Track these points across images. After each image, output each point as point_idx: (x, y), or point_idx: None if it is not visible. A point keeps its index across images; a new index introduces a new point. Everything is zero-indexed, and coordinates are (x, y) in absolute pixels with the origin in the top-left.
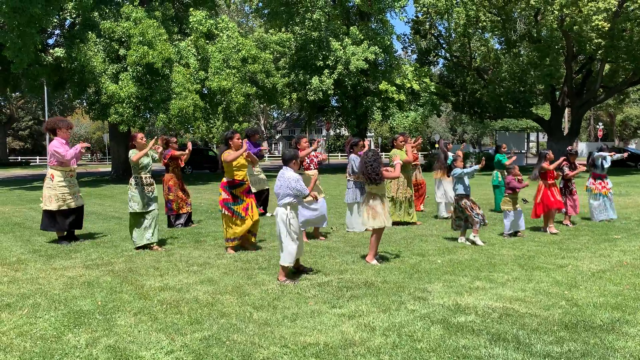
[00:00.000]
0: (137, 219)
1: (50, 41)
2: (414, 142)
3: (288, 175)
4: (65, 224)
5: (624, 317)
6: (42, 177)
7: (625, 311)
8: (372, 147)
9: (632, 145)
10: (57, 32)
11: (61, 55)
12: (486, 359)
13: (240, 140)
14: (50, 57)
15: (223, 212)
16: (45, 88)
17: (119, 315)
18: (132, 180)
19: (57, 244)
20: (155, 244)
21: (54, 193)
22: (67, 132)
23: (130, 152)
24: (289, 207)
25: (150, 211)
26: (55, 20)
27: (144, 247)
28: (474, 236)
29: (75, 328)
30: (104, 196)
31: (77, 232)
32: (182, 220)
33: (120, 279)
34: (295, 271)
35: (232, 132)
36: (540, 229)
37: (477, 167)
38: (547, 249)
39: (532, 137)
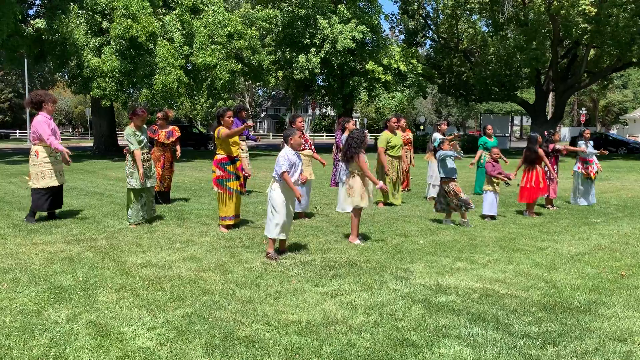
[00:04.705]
0: (136, 196)
1: (31, 12)
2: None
3: (280, 152)
4: (45, 204)
5: (601, 299)
6: (22, 151)
7: (602, 293)
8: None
9: (613, 131)
10: (37, 2)
11: (42, 26)
12: (466, 338)
13: (231, 119)
14: (30, 28)
15: (216, 190)
16: (25, 60)
17: (101, 291)
18: (129, 157)
19: (29, 222)
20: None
21: (39, 170)
22: (52, 106)
23: (127, 130)
24: (272, 181)
25: (149, 188)
26: None
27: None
28: (464, 221)
29: (56, 303)
30: (86, 172)
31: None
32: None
33: (101, 255)
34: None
35: (224, 110)
36: (523, 212)
37: (454, 153)
38: (527, 232)
39: (517, 120)
